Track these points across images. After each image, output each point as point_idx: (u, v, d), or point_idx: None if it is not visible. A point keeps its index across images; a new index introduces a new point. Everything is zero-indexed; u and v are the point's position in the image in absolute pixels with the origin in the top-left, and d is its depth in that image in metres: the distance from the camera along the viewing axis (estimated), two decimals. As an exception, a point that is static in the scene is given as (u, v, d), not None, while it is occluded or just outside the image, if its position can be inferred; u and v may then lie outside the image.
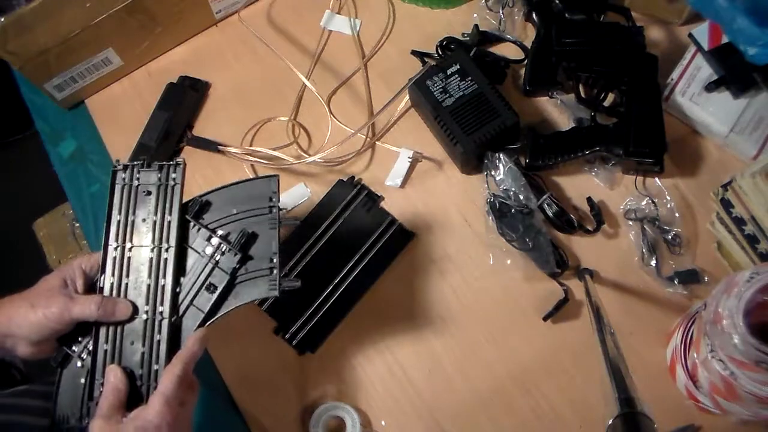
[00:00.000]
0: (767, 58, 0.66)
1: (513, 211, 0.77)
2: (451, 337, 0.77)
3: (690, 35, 0.84)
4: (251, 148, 0.89)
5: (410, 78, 0.85)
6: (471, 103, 0.81)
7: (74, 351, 0.62)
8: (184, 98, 0.92)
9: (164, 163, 0.66)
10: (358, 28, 0.96)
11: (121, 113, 0.95)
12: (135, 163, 0.66)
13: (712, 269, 0.77)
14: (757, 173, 0.68)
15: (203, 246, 0.64)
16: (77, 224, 1.40)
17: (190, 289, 0.63)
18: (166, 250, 0.63)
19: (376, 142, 0.88)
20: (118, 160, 0.66)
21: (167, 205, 0.64)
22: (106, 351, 0.61)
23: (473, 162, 0.83)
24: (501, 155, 0.80)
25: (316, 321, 0.78)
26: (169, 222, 0.64)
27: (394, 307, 0.79)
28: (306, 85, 0.93)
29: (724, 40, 0.81)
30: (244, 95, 0.94)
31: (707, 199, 0.77)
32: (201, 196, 0.66)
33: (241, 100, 0.94)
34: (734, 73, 0.80)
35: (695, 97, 0.82)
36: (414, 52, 0.93)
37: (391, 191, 0.85)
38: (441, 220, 0.83)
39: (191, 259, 0.64)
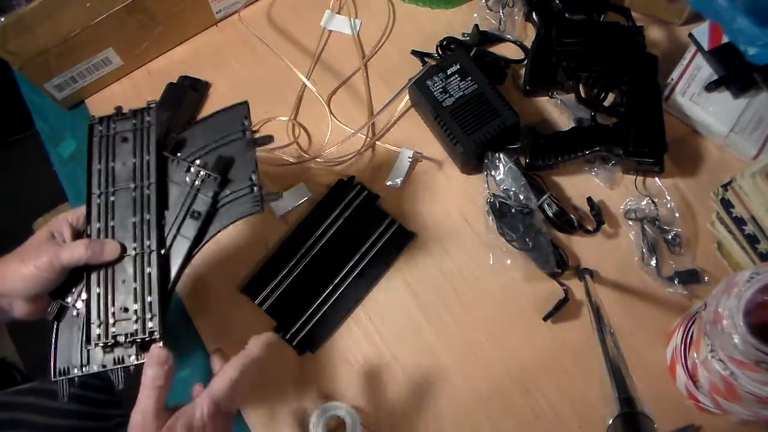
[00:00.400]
0: (767, 58, 0.66)
1: (513, 211, 0.77)
2: (451, 337, 0.77)
3: (690, 35, 0.85)
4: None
5: (410, 78, 0.85)
6: (471, 103, 0.81)
7: (68, 302, 0.63)
8: (184, 98, 0.92)
9: (137, 108, 0.68)
10: (358, 28, 0.96)
11: (121, 113, 0.95)
12: (110, 114, 0.68)
13: (712, 269, 0.77)
14: (757, 173, 0.68)
15: (183, 177, 0.66)
16: (77, 224, 1.40)
17: (175, 220, 0.65)
18: (147, 187, 0.65)
19: (376, 142, 0.88)
20: (93, 116, 0.68)
21: (144, 146, 0.67)
22: (99, 294, 0.62)
23: (473, 162, 0.83)
24: (501, 155, 0.80)
25: (316, 321, 0.78)
26: (148, 161, 0.66)
27: (393, 307, 0.79)
28: (306, 85, 0.93)
29: (724, 40, 0.81)
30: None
31: (707, 199, 0.77)
32: (176, 134, 0.68)
33: (241, 100, 0.94)
34: (734, 73, 0.80)
35: (695, 97, 0.82)
36: (414, 52, 0.93)
37: (391, 191, 0.85)
38: (441, 220, 0.83)
39: (174, 192, 0.66)
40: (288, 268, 0.79)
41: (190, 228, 0.64)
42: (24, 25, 0.81)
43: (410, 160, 0.85)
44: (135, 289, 0.62)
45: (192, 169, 0.66)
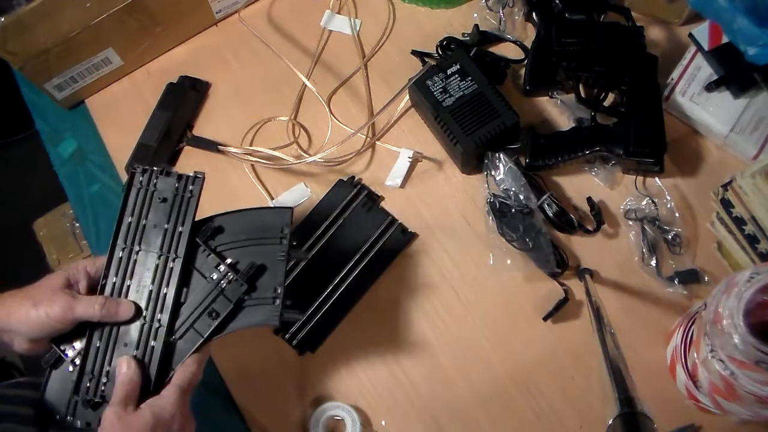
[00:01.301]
0: (767, 58, 0.66)
1: (513, 211, 0.77)
2: (451, 337, 0.77)
3: (690, 35, 0.84)
4: (251, 148, 0.89)
5: (410, 78, 0.85)
6: (471, 103, 0.81)
7: (67, 355, 0.62)
8: (184, 98, 0.92)
9: (184, 174, 0.66)
10: (358, 28, 0.96)
11: (121, 113, 0.95)
12: (154, 168, 0.66)
13: (712, 269, 0.77)
14: (757, 173, 0.68)
15: (210, 271, 0.64)
16: (77, 224, 1.40)
17: (192, 313, 0.62)
18: (173, 260, 0.63)
19: (376, 142, 0.88)
20: (136, 165, 0.66)
21: (181, 216, 0.64)
22: (98, 348, 0.61)
23: (473, 162, 0.83)
24: (501, 155, 0.80)
25: (316, 321, 0.78)
26: (180, 233, 0.64)
27: (394, 307, 0.79)
28: (306, 85, 0.93)
29: (724, 40, 0.81)
30: (244, 95, 0.94)
31: (707, 199, 0.77)
32: (212, 219, 0.65)
33: (241, 100, 0.94)
34: (734, 73, 0.80)
35: (695, 97, 0.82)
36: (414, 52, 0.93)
37: (391, 191, 0.85)
38: (441, 220, 0.83)
39: (196, 281, 0.63)
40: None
41: (205, 325, 0.62)
42: (24, 25, 0.81)
43: (410, 160, 0.85)
44: (135, 356, 0.60)
45: (221, 267, 0.63)
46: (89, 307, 0.60)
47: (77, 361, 0.61)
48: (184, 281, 0.63)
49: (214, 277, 0.63)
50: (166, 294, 0.62)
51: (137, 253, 0.63)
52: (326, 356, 0.78)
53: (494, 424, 0.73)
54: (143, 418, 0.56)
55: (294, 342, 0.77)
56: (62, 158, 0.95)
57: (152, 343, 0.61)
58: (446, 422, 0.74)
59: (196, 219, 0.65)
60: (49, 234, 1.48)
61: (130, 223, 0.64)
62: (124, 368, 0.59)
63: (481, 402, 0.74)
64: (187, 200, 0.65)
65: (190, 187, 0.65)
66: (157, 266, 0.63)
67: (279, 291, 0.64)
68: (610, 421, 0.49)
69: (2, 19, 0.79)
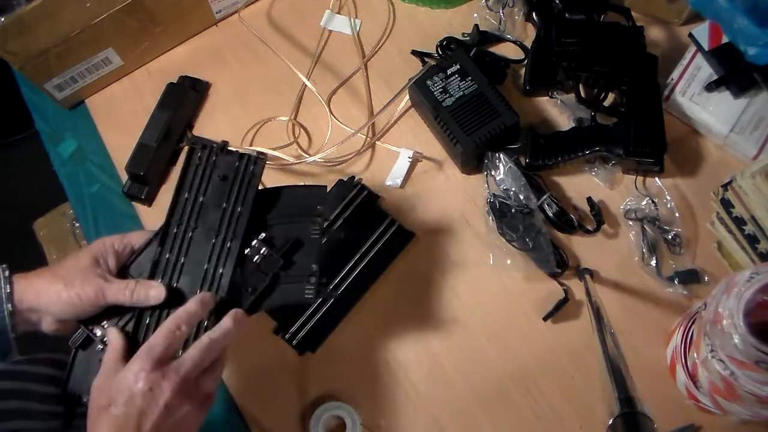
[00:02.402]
0: (767, 58, 0.66)
1: (513, 211, 0.77)
2: (451, 337, 0.77)
3: (690, 35, 0.84)
4: (251, 148, 0.89)
5: (410, 78, 0.85)
6: (471, 103, 0.81)
7: (96, 335, 0.61)
8: (184, 98, 0.92)
9: (246, 153, 0.65)
10: (358, 28, 0.96)
11: (121, 113, 0.95)
12: (214, 145, 0.65)
13: (712, 269, 0.77)
14: (757, 173, 0.68)
15: (245, 247, 0.63)
16: (77, 224, 1.40)
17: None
18: (231, 240, 0.62)
19: (376, 142, 0.88)
20: (195, 140, 0.65)
21: (241, 195, 0.64)
22: (148, 325, 0.60)
23: (473, 162, 0.83)
24: (501, 155, 0.80)
25: (316, 321, 0.78)
26: (240, 212, 0.63)
27: (393, 307, 0.79)
28: (306, 85, 0.93)
29: (724, 40, 0.81)
30: (244, 95, 0.94)
31: (707, 199, 0.77)
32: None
33: (241, 100, 0.94)
34: (734, 73, 0.80)
35: (695, 97, 0.82)
36: (414, 52, 0.93)
37: (391, 191, 0.85)
38: (441, 219, 0.83)
39: None
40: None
41: (244, 301, 0.62)
42: (24, 25, 0.81)
43: (410, 160, 0.85)
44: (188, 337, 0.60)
45: (255, 243, 0.63)
46: (120, 293, 0.60)
47: (105, 341, 0.61)
48: (240, 261, 0.63)
49: (249, 253, 0.63)
50: (222, 274, 0.62)
51: (193, 230, 0.63)
52: (326, 356, 0.78)
53: (494, 424, 0.73)
54: (111, 384, 0.54)
55: (294, 342, 0.77)
56: (62, 158, 0.95)
57: (204, 321, 0.60)
58: (446, 422, 0.74)
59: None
60: (49, 234, 1.47)
61: (186, 199, 0.63)
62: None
63: (481, 402, 0.74)
64: (248, 180, 0.64)
65: (252, 167, 0.65)
66: (213, 245, 0.62)
67: (315, 269, 0.64)
68: (610, 421, 0.49)
69: (2, 19, 0.79)
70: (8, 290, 0.61)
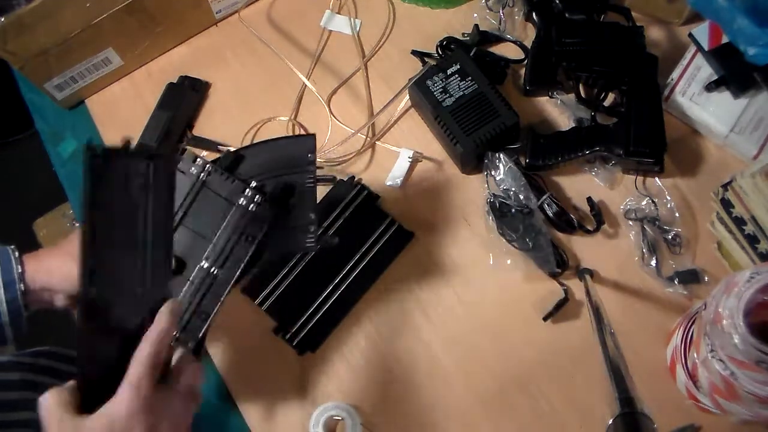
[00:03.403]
0: (767, 58, 0.66)
1: (513, 211, 0.77)
2: (451, 337, 0.77)
3: (690, 35, 0.84)
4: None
5: (410, 78, 0.85)
6: (471, 103, 0.81)
7: None
8: (184, 98, 0.92)
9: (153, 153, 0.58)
10: (358, 28, 0.96)
11: (121, 113, 0.95)
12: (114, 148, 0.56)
13: (712, 269, 0.77)
14: (757, 173, 0.68)
15: (237, 197, 0.63)
16: (77, 224, 1.40)
17: (228, 240, 0.62)
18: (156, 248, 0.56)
19: (376, 142, 0.88)
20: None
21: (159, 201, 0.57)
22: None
23: (473, 162, 0.83)
24: (501, 155, 0.80)
25: (316, 321, 0.78)
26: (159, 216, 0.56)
27: (393, 307, 0.79)
28: (306, 85, 0.93)
29: (724, 40, 0.81)
30: (244, 95, 0.94)
31: (707, 199, 0.77)
32: (235, 151, 0.65)
33: (241, 100, 0.94)
34: (734, 73, 0.80)
35: (695, 97, 0.82)
36: (414, 52, 0.93)
37: (391, 191, 0.85)
38: (441, 220, 0.83)
39: (229, 211, 0.63)
40: (288, 268, 0.79)
41: (243, 250, 0.62)
42: (24, 25, 0.81)
43: (410, 160, 0.85)
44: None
45: (248, 192, 0.63)
46: None
47: None
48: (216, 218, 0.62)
49: (243, 203, 0.63)
50: (216, 275, 0.61)
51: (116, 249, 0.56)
52: (326, 356, 0.78)
53: (494, 424, 0.73)
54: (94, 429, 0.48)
55: (294, 342, 0.77)
56: (62, 158, 0.95)
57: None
58: (446, 422, 0.74)
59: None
60: (49, 234, 1.48)
61: (99, 216, 0.54)
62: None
63: (481, 402, 0.74)
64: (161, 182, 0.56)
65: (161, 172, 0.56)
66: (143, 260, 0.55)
67: (312, 217, 0.64)
68: (610, 421, 0.49)
69: (2, 19, 0.79)
70: (20, 270, 0.62)
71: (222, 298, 0.62)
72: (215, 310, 0.62)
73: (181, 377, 0.52)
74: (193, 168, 0.65)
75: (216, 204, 0.63)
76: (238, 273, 0.62)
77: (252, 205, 0.63)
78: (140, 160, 0.53)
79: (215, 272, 0.62)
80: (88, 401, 0.49)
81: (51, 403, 0.48)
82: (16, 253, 0.63)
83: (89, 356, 0.51)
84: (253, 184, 0.64)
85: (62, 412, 0.48)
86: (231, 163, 0.65)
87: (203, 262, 0.62)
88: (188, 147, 0.66)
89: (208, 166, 0.65)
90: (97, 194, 0.51)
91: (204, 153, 0.67)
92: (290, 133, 0.90)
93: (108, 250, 0.52)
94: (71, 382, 0.50)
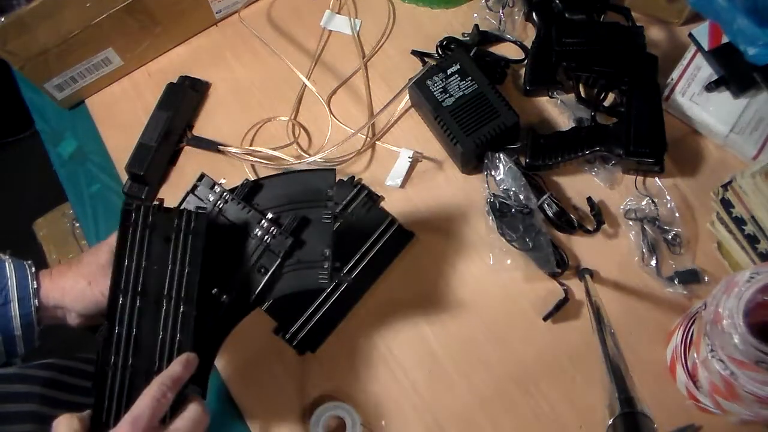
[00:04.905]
0: (767, 58, 0.66)
1: (513, 211, 0.77)
2: (451, 337, 0.77)
3: (690, 35, 0.84)
4: (251, 148, 0.89)
5: (410, 78, 0.85)
6: (471, 103, 0.81)
7: None
8: (184, 98, 0.92)
9: (184, 209, 0.62)
10: (358, 28, 0.96)
11: (121, 113, 0.95)
12: (150, 204, 0.61)
13: (712, 269, 0.77)
14: (757, 173, 0.68)
15: (254, 228, 0.63)
16: (77, 224, 1.40)
17: (240, 271, 0.62)
18: (183, 303, 0.58)
19: (376, 142, 0.88)
20: (130, 201, 0.62)
21: (187, 255, 0.59)
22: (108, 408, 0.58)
23: (473, 162, 0.83)
24: (501, 155, 0.80)
25: (316, 321, 0.78)
26: (188, 272, 0.59)
27: (393, 308, 0.79)
28: (306, 85, 0.93)
29: (724, 40, 0.81)
30: (244, 95, 0.94)
31: (707, 199, 0.77)
32: (254, 181, 0.65)
33: (241, 100, 0.94)
34: (734, 73, 0.80)
35: (695, 97, 0.82)
36: (414, 52, 0.93)
37: (391, 191, 0.85)
38: (441, 220, 0.83)
39: (243, 241, 0.63)
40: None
41: (254, 282, 0.62)
42: (24, 25, 0.81)
43: (410, 160, 0.85)
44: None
45: (264, 223, 0.63)
46: None
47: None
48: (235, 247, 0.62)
49: (258, 234, 0.63)
50: (180, 341, 0.58)
51: (141, 299, 0.58)
52: (326, 356, 0.78)
53: (494, 425, 0.73)
54: None
55: (294, 342, 0.77)
56: (62, 158, 0.95)
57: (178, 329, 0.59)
58: (446, 422, 0.74)
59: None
60: (49, 234, 1.47)
61: (128, 267, 0.59)
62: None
63: (481, 402, 0.74)
64: (191, 238, 0.60)
65: (193, 224, 0.60)
66: (166, 312, 0.58)
67: (327, 253, 0.63)
68: (610, 421, 0.49)
69: (2, 19, 0.79)
70: (35, 286, 0.63)
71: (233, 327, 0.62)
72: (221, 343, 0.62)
73: (183, 418, 0.55)
74: (210, 195, 0.65)
75: (230, 233, 0.63)
76: (250, 303, 0.62)
77: (267, 237, 0.63)
78: (173, 217, 0.60)
79: (225, 300, 0.61)
80: (96, 430, 0.53)
81: (61, 430, 0.52)
82: (33, 269, 0.64)
83: (101, 387, 0.56)
84: (270, 215, 0.63)
85: None
86: (248, 192, 0.64)
87: (214, 290, 0.62)
88: (204, 174, 0.66)
89: (225, 194, 0.65)
90: (128, 243, 0.58)
91: (223, 180, 0.66)
92: (290, 134, 0.90)
93: (135, 297, 0.57)
94: (86, 412, 0.54)
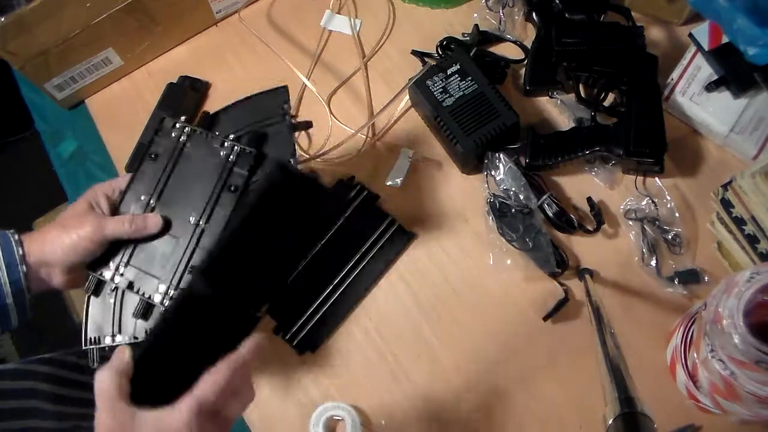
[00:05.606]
0: (767, 58, 0.66)
1: (513, 211, 0.77)
2: (451, 337, 0.77)
3: (690, 35, 0.84)
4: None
5: (410, 78, 0.85)
6: (471, 103, 0.81)
7: (105, 277, 0.64)
8: (184, 98, 0.92)
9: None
10: (358, 28, 0.96)
11: (121, 113, 0.95)
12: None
13: (712, 269, 0.77)
14: (757, 173, 0.68)
15: (218, 151, 0.67)
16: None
17: (212, 193, 0.65)
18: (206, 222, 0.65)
19: (376, 142, 0.88)
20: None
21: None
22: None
23: (473, 162, 0.83)
24: (501, 155, 0.80)
25: (316, 321, 0.78)
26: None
27: (393, 307, 0.79)
28: (306, 85, 0.93)
29: (724, 40, 0.81)
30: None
31: (707, 199, 0.77)
32: (211, 113, 0.69)
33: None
34: (734, 73, 0.80)
35: (695, 97, 0.82)
36: (414, 52, 0.93)
37: (391, 191, 0.85)
38: (441, 220, 0.83)
39: (209, 166, 0.67)
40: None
41: (227, 201, 0.65)
42: (24, 25, 0.81)
43: (410, 160, 0.85)
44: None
45: (226, 144, 0.66)
46: (119, 225, 0.62)
47: (117, 279, 0.64)
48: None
49: (222, 155, 0.66)
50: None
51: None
52: (326, 356, 0.78)
53: (494, 424, 0.73)
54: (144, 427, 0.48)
55: (294, 342, 0.77)
56: (62, 158, 0.95)
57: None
58: (446, 422, 0.74)
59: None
60: (49, 234, 1.47)
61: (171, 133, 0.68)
62: (115, 361, 0.51)
63: (481, 402, 0.74)
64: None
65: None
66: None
67: (292, 161, 0.67)
68: (610, 421, 0.49)
69: (2, 19, 0.79)
70: (20, 253, 0.63)
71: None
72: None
73: (238, 401, 0.52)
74: (173, 132, 0.69)
75: (197, 162, 0.67)
76: (224, 223, 0.65)
77: (231, 156, 0.66)
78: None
79: (203, 226, 0.65)
80: (136, 392, 0.50)
81: (108, 386, 0.49)
82: (17, 236, 0.64)
83: (156, 353, 0.52)
84: (231, 136, 0.67)
85: (116, 398, 0.48)
86: (208, 124, 0.68)
87: (190, 218, 0.65)
88: (165, 117, 0.71)
89: (186, 128, 0.69)
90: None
91: (183, 117, 0.71)
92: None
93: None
94: (128, 368, 0.50)
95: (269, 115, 0.68)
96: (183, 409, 0.48)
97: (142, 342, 0.62)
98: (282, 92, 0.69)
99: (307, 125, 0.76)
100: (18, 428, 0.63)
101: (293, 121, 0.68)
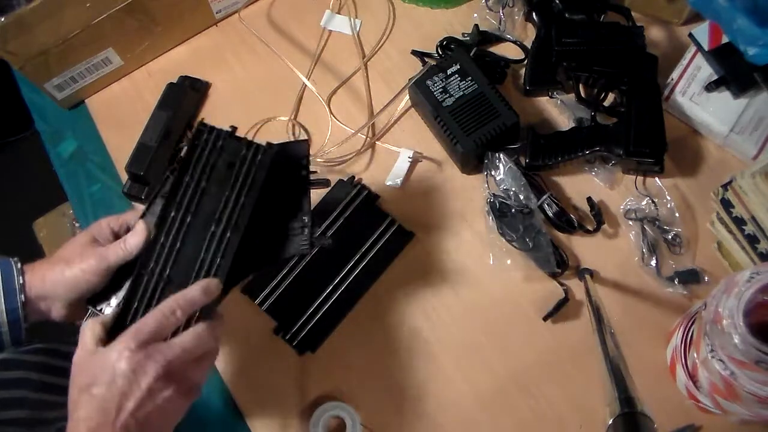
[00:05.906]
0: (767, 58, 0.66)
1: (513, 211, 0.77)
2: (451, 337, 0.77)
3: (690, 35, 0.84)
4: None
5: (410, 78, 0.85)
6: (471, 103, 0.81)
7: (104, 312, 0.62)
8: (184, 98, 0.92)
9: (254, 141, 0.65)
10: (358, 28, 0.96)
11: (121, 113, 0.95)
12: (223, 129, 0.65)
13: (712, 269, 0.77)
14: (757, 173, 0.68)
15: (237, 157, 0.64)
16: (77, 224, 1.40)
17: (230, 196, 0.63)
18: (231, 231, 0.61)
19: (376, 142, 0.88)
20: (204, 123, 0.65)
21: (246, 185, 0.62)
22: (136, 309, 0.60)
23: (473, 162, 0.83)
24: (501, 155, 0.80)
25: (316, 321, 0.78)
26: (243, 203, 0.62)
27: (394, 307, 0.79)
28: (306, 85, 0.93)
29: (724, 40, 0.81)
30: (244, 95, 0.94)
31: (707, 199, 0.77)
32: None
33: (241, 100, 0.94)
34: (734, 73, 0.80)
35: (695, 97, 0.82)
36: (414, 52, 0.93)
37: (391, 191, 0.85)
38: (441, 219, 0.83)
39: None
40: (288, 268, 0.79)
41: (249, 201, 0.63)
42: (24, 25, 0.81)
43: (410, 160, 0.85)
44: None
45: (244, 150, 0.64)
46: (117, 249, 0.61)
47: (106, 311, 0.62)
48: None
49: (244, 155, 0.64)
50: (219, 265, 0.60)
51: (192, 216, 0.61)
52: (326, 356, 0.78)
53: (494, 424, 0.73)
54: (93, 363, 0.53)
55: (294, 342, 0.77)
56: (62, 158, 0.95)
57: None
58: (446, 422, 0.74)
59: None
60: (49, 234, 1.47)
61: (188, 182, 0.62)
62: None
63: (481, 402, 0.74)
64: (254, 170, 0.63)
65: (259, 157, 0.63)
66: (212, 234, 0.61)
67: (306, 220, 0.65)
68: (610, 421, 0.49)
69: (2, 19, 0.79)
70: (21, 282, 0.62)
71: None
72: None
73: (186, 333, 0.55)
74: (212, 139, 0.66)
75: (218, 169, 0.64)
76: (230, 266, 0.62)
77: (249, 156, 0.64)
78: (242, 146, 0.63)
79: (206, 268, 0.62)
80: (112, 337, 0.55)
81: (86, 333, 0.55)
82: (19, 265, 0.63)
83: (134, 290, 0.59)
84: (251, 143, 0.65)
85: (89, 341, 0.54)
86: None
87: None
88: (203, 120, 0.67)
89: (224, 133, 0.66)
90: (193, 160, 0.62)
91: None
92: (290, 134, 0.90)
93: (186, 212, 0.61)
94: (109, 315, 0.58)
95: (288, 167, 0.66)
96: (121, 339, 0.53)
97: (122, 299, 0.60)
98: (303, 146, 0.67)
99: (325, 183, 0.73)
100: (7, 418, 0.63)
101: (310, 177, 0.66)
